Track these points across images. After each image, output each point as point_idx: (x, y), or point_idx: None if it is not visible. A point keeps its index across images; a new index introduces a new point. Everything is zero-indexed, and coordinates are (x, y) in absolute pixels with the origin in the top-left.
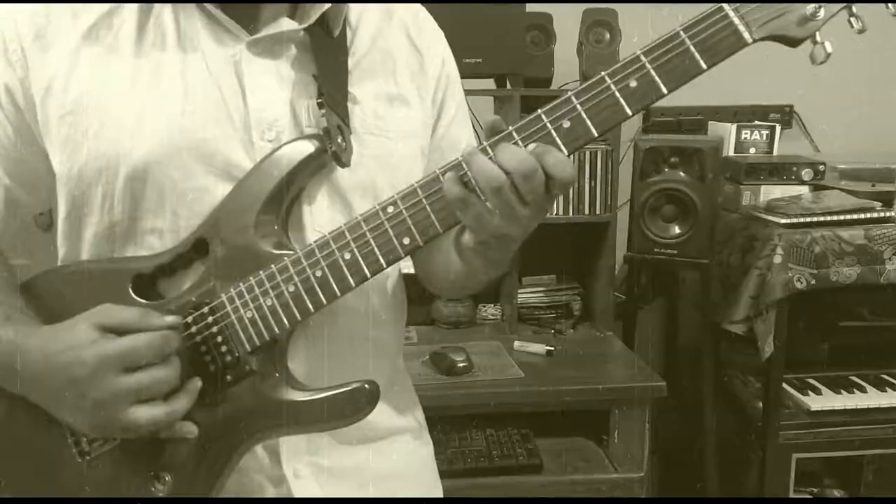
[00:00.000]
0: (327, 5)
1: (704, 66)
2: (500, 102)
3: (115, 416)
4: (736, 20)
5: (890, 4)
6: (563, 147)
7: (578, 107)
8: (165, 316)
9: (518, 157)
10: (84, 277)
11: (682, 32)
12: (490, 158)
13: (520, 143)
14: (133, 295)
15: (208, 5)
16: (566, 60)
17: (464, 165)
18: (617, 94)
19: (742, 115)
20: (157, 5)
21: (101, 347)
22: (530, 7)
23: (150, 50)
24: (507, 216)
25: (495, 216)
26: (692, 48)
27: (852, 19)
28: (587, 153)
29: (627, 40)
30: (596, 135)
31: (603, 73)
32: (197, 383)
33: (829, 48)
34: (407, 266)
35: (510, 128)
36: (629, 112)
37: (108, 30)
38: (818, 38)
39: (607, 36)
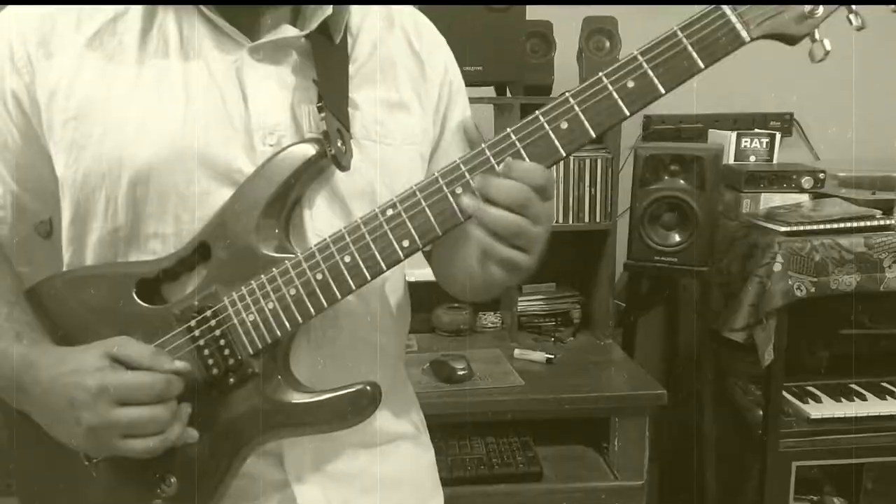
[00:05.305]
0: (328, 12)
1: (702, 66)
2: (500, 110)
3: (106, 443)
4: (733, 18)
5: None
6: (560, 148)
7: (576, 107)
8: (176, 361)
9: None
10: (89, 282)
11: (679, 32)
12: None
13: (517, 143)
14: (137, 300)
15: (210, 13)
16: (566, 68)
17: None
18: (615, 94)
19: (742, 123)
20: (160, 13)
21: (104, 376)
22: (530, 14)
23: (152, 56)
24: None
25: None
26: (689, 47)
27: (851, 16)
28: (587, 161)
29: (628, 48)
30: (594, 135)
31: (600, 74)
32: (187, 409)
33: (828, 46)
34: (412, 274)
35: (508, 129)
36: (627, 112)
37: (111, 36)
38: (817, 36)
39: (607, 44)
